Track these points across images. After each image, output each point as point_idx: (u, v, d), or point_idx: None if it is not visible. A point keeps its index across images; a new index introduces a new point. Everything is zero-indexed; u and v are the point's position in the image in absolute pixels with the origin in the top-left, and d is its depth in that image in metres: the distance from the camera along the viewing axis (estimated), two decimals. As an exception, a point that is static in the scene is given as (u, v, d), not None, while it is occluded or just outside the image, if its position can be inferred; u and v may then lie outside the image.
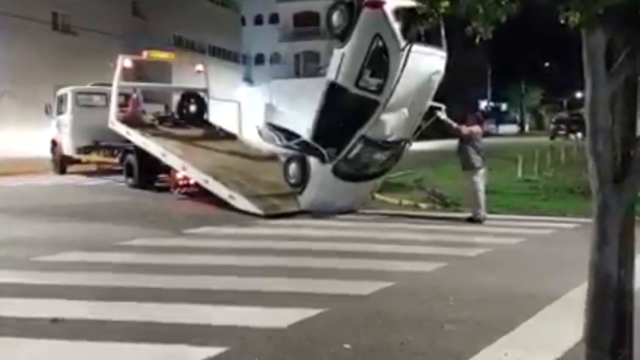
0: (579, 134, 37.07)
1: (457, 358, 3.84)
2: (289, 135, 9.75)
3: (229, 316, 4.59)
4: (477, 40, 2.68)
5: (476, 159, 8.97)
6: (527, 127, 64.42)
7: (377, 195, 11.10)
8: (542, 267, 6.29)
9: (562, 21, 2.47)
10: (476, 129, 9.16)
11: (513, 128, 57.82)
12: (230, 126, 14.58)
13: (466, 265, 6.36)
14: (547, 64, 57.83)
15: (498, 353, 3.90)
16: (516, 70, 52.04)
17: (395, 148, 9.47)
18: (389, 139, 9.14)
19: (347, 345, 4.01)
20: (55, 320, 4.45)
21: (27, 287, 5.38)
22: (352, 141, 8.93)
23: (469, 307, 4.89)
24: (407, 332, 4.28)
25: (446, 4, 2.66)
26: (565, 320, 4.52)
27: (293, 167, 9.60)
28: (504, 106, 64.42)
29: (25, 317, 4.55)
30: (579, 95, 67.59)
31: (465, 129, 9.05)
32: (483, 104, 54.19)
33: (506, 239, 7.65)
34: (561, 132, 39.41)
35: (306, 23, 45.16)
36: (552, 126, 43.94)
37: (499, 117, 56.99)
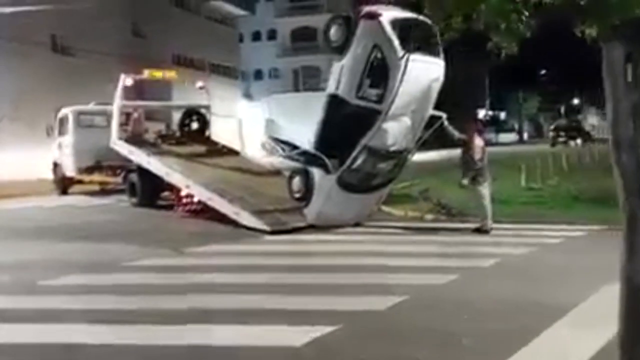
0: (579, 141, 37.27)
1: (477, 373, 3.77)
2: (293, 148, 9.74)
3: (241, 336, 4.52)
4: (503, 55, 2.65)
5: (479, 172, 8.95)
6: (525, 135, 64.49)
7: (383, 207, 11.05)
8: (555, 276, 6.22)
9: (579, 34, 2.45)
10: (479, 144, 9.14)
11: (512, 136, 57.85)
12: (232, 143, 14.60)
13: (478, 276, 6.30)
14: (543, 71, 58.08)
15: (518, 366, 3.83)
16: (514, 79, 52.21)
17: (398, 157, 9.45)
18: (392, 148, 9.14)
19: (363, 363, 3.95)
20: (65, 346, 4.38)
21: (37, 312, 5.30)
22: (355, 151, 8.92)
23: (485, 319, 4.83)
24: (422, 346, 4.22)
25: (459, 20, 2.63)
26: (584, 330, 4.47)
27: (297, 181, 9.57)
28: (502, 115, 64.54)
29: (38, 343, 4.48)
30: (576, 101, 68.00)
31: (477, 153, 8.97)
32: (482, 113, 54.32)
33: (516, 248, 7.58)
34: (561, 139, 39.47)
35: (304, 38, 45.38)
36: (551, 134, 43.97)
37: (498, 126, 57.03)
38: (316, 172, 9.26)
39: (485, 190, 9.02)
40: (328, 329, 4.57)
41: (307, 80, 44.34)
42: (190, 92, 19.10)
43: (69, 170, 16.10)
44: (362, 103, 8.81)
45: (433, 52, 9.10)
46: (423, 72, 8.80)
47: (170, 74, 17.68)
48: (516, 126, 64.18)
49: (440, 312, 5.05)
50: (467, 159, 9.03)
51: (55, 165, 16.89)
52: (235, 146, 14.45)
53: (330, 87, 9.21)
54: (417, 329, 4.65)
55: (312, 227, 9.34)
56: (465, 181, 8.99)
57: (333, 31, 9.19)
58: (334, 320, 4.77)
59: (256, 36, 47.76)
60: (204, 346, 4.32)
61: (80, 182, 16.34)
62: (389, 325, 4.76)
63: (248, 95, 43.63)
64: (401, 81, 8.40)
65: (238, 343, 4.35)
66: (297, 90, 43.53)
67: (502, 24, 2.29)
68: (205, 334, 4.57)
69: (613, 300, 5.21)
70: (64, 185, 16.68)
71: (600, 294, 5.36)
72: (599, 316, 4.74)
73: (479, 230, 8.87)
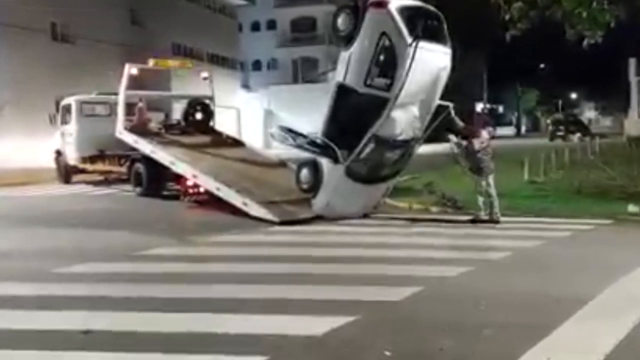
0: (578, 135, 37.37)
1: (501, 363, 3.81)
2: (302, 137, 9.73)
3: (262, 325, 4.54)
4: (585, 43, 2.66)
5: (484, 165, 9.03)
6: (523, 129, 64.63)
7: (387, 200, 11.07)
8: (568, 269, 6.25)
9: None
10: (485, 136, 9.24)
11: (509, 130, 58.01)
12: (229, 132, 14.54)
13: (491, 268, 6.34)
14: (542, 65, 58.05)
15: (541, 357, 3.87)
16: (512, 73, 52.19)
17: (405, 147, 9.46)
18: (400, 138, 9.14)
19: (387, 352, 3.98)
20: (86, 332, 4.41)
21: (54, 298, 5.32)
22: (364, 141, 8.89)
23: (502, 311, 4.87)
24: (444, 337, 4.25)
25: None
26: (601, 323, 4.52)
27: (305, 172, 9.56)
28: (500, 108, 64.60)
29: (55, 330, 4.50)
30: (573, 96, 68.08)
31: (477, 144, 9.12)
32: (479, 107, 54.36)
33: (526, 241, 7.60)
34: (560, 133, 39.63)
35: (303, 29, 45.26)
36: (550, 128, 44.11)
37: (496, 119, 57.14)
38: (325, 163, 9.26)
39: (490, 182, 9.14)
40: (348, 319, 4.60)
41: (305, 72, 44.19)
42: (189, 82, 19.04)
43: (72, 159, 16.09)
44: (370, 91, 8.77)
45: (441, 41, 9.10)
46: (431, 61, 8.80)
47: (185, 64, 17.73)
48: (514, 120, 64.32)
49: (457, 304, 5.08)
50: (467, 148, 9.13)
51: (58, 154, 16.85)
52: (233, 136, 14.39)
53: (338, 77, 9.20)
54: (435, 320, 4.69)
55: (319, 219, 9.37)
56: (466, 169, 9.10)
57: (341, 20, 9.16)
58: (352, 310, 4.80)
59: (255, 26, 47.48)
60: (226, 334, 4.34)
61: (83, 171, 16.33)
62: (407, 316, 4.79)
63: (246, 86, 43.50)
64: (409, 69, 8.38)
65: (260, 332, 4.38)
66: (296, 81, 43.46)
67: (583, 12, 2.27)
68: (228, 323, 4.58)
69: (631, 291, 5.32)
70: (66, 174, 16.67)
71: (617, 286, 5.44)
72: (618, 307, 4.84)
73: (473, 221, 8.99)
